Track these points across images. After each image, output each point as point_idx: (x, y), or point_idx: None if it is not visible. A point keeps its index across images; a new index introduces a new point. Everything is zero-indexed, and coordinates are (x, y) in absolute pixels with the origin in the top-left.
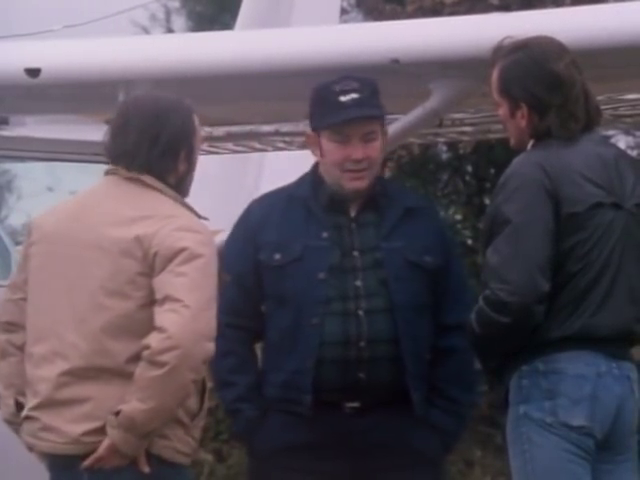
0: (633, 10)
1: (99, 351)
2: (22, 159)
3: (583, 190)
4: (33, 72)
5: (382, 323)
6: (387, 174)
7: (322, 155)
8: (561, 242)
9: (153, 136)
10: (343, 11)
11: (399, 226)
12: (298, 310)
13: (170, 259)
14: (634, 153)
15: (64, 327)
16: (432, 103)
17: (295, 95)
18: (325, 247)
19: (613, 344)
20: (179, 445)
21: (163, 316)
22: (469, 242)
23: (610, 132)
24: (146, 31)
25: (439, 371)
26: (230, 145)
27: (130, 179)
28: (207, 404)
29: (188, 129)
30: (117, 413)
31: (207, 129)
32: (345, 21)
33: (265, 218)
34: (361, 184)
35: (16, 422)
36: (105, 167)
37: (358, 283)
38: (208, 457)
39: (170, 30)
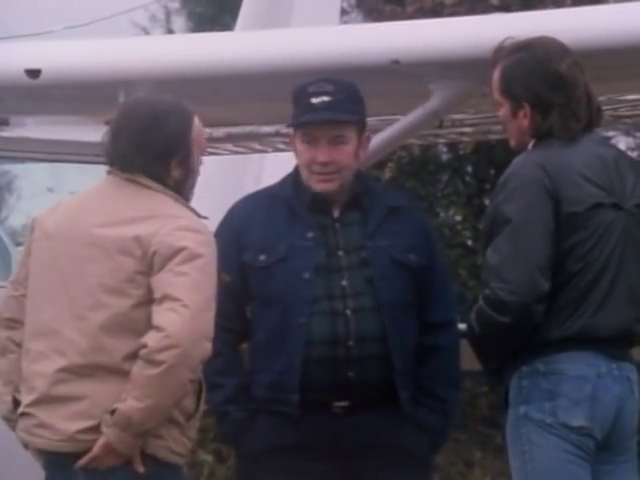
0: (633, 11)
1: (97, 348)
2: (22, 160)
3: (583, 190)
4: (33, 73)
5: (370, 322)
6: (387, 175)
7: (296, 155)
8: (561, 242)
9: (146, 140)
10: (343, 12)
11: (383, 225)
12: (284, 310)
13: (170, 258)
14: (634, 154)
15: (62, 324)
16: (432, 104)
17: None
18: (310, 247)
19: (613, 345)
20: (174, 445)
21: (161, 315)
22: (469, 243)
23: (610, 133)
24: (146, 32)
25: (424, 369)
26: (230, 146)
27: (129, 180)
28: (203, 405)
29: (184, 135)
30: (113, 412)
31: (207, 130)
32: (345, 22)
33: (248, 219)
34: (329, 187)
35: (13, 419)
36: (105, 168)
37: (344, 282)
38: (208, 458)
39: (170, 31)
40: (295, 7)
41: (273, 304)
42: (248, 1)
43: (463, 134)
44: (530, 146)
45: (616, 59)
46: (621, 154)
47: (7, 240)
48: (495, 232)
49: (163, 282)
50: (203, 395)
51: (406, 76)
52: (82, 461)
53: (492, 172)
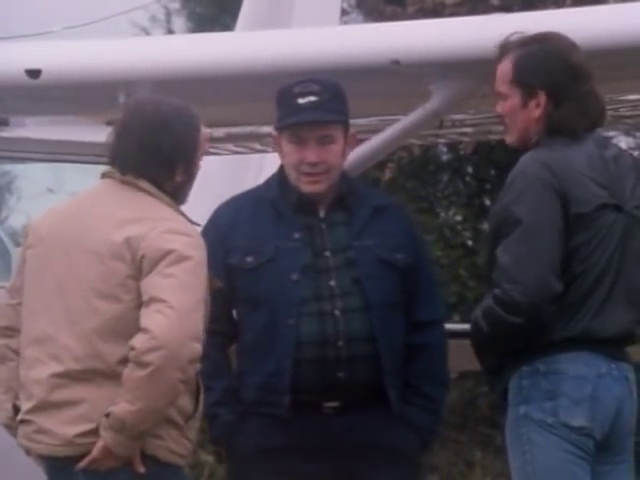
0: (633, 11)
1: (92, 353)
2: (23, 160)
3: (589, 191)
4: (34, 73)
5: (358, 322)
6: (387, 175)
7: (283, 157)
8: (567, 242)
9: (151, 146)
10: (343, 12)
11: (369, 225)
12: (273, 312)
13: (158, 261)
14: (634, 154)
15: (58, 329)
16: (432, 104)
17: None
18: (297, 248)
19: (612, 345)
20: (173, 445)
21: (148, 317)
22: (469, 243)
23: (611, 133)
24: (146, 32)
25: (412, 368)
26: (230, 146)
27: (125, 182)
28: (202, 405)
29: (189, 142)
30: (108, 415)
31: (207, 130)
32: (345, 22)
33: (234, 221)
34: (318, 187)
35: (14, 426)
36: (105, 168)
37: (332, 283)
38: (209, 458)
39: (170, 31)
40: (295, 7)
41: (261, 306)
42: (248, 1)
43: (463, 134)
44: (533, 142)
45: (616, 59)
46: (622, 154)
47: (7, 240)
48: (504, 233)
49: (150, 285)
50: (202, 396)
51: (406, 76)
52: (82, 464)
53: (492, 172)
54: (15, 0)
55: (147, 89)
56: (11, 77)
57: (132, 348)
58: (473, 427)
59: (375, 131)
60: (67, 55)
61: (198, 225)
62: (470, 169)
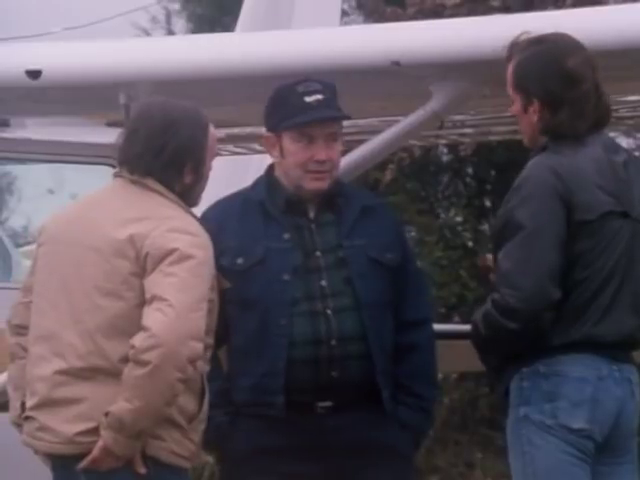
0: (634, 12)
1: (95, 351)
2: (23, 161)
3: (596, 198)
4: (34, 74)
5: (350, 321)
6: (388, 176)
7: (283, 156)
8: (569, 249)
9: (158, 148)
10: (344, 13)
11: (358, 224)
12: (264, 312)
13: (161, 259)
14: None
15: (62, 327)
16: (433, 105)
17: None
18: (287, 249)
19: (615, 348)
20: (175, 447)
21: (148, 315)
22: (469, 244)
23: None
24: (147, 33)
25: (402, 368)
26: (231, 147)
27: (134, 182)
28: (207, 406)
29: (197, 142)
30: (107, 414)
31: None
32: (346, 23)
33: (222, 224)
34: (322, 185)
35: (21, 424)
36: (105, 168)
37: (323, 283)
38: (209, 459)
39: (171, 32)
40: (296, 9)
41: (252, 307)
42: (249, 2)
43: (464, 135)
44: (542, 145)
45: (617, 60)
46: (630, 159)
47: (7, 241)
48: (507, 237)
49: (153, 283)
50: (206, 396)
51: (407, 77)
52: (82, 464)
53: (492, 173)
54: (15, 1)
55: (147, 90)
56: (11, 78)
57: (132, 346)
58: (473, 428)
59: (375, 132)
60: (67, 56)
61: (206, 226)
62: (470, 170)
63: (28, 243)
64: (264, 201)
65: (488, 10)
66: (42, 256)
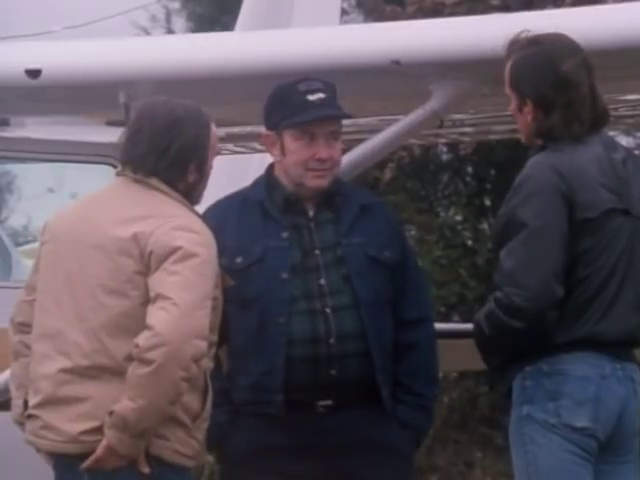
0: (633, 11)
1: (99, 350)
2: (23, 160)
3: (598, 195)
4: (33, 73)
5: (349, 319)
6: (388, 175)
7: (283, 155)
8: (572, 247)
9: (162, 148)
10: (343, 12)
11: (357, 223)
12: (263, 311)
13: (165, 258)
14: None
15: (67, 325)
16: (433, 104)
17: None
18: (286, 247)
19: (618, 347)
20: (179, 446)
21: (152, 314)
22: (469, 243)
23: (610, 133)
24: (146, 32)
25: (402, 367)
26: (231, 146)
27: (138, 180)
28: (210, 404)
29: (200, 142)
30: (111, 413)
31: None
32: (345, 22)
33: (222, 223)
34: (323, 182)
35: (24, 422)
36: (105, 167)
37: (322, 281)
38: (209, 458)
39: (170, 31)
40: (295, 8)
41: (251, 305)
42: (248, 1)
43: (463, 134)
44: (541, 144)
45: (616, 59)
46: (629, 156)
47: (7, 240)
48: (509, 235)
49: (157, 281)
50: (210, 395)
51: (406, 76)
52: (86, 463)
53: (492, 172)
54: (15, 0)
55: (147, 89)
56: (11, 77)
57: (136, 345)
58: (473, 427)
59: (375, 131)
60: (67, 55)
61: (210, 225)
62: (470, 169)
63: (28, 242)
64: (263, 201)
65: (487, 9)
66: (45, 254)
